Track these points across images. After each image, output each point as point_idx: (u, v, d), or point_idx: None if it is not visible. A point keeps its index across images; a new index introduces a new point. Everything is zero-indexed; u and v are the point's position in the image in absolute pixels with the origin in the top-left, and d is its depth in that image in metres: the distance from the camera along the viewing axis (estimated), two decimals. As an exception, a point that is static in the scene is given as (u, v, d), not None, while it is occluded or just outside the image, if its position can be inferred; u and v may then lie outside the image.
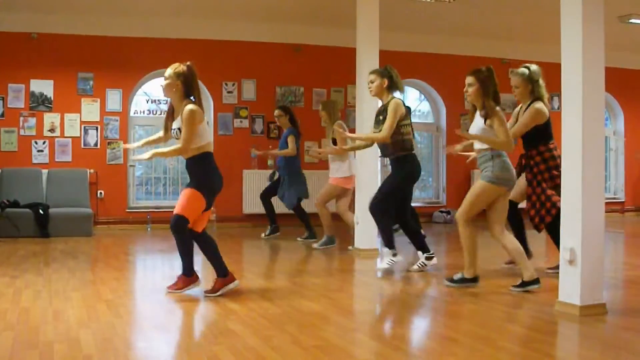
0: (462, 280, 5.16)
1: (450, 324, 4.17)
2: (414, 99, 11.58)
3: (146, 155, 4.83)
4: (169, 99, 4.93)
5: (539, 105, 5.53)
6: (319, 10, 9.69)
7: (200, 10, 9.54)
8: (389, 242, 5.97)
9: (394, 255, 5.97)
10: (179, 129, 4.73)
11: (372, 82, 5.94)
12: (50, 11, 9.08)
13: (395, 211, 5.97)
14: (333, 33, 9.98)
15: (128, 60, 9.44)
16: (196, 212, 4.78)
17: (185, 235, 4.78)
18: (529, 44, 10.91)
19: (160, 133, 5.08)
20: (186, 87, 4.74)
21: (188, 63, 4.80)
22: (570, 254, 4.25)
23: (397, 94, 6.05)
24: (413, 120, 11.60)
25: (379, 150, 6.15)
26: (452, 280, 5.21)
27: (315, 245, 7.62)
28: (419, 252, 6.05)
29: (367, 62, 7.17)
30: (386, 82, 5.89)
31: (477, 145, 5.07)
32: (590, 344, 3.75)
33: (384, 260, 6.00)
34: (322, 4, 9.53)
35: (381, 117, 5.88)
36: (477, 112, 5.07)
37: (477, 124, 5.04)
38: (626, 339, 3.82)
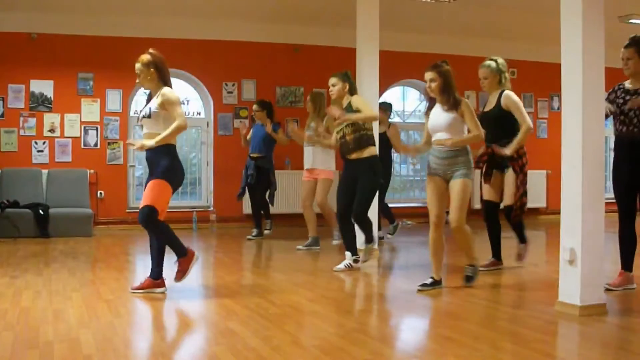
0: (474, 270, 5.20)
1: (450, 324, 4.16)
2: (414, 99, 11.58)
3: (151, 142, 4.74)
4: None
5: (510, 92, 5.74)
6: (319, 10, 9.69)
7: (200, 10, 9.54)
8: (369, 238, 6.21)
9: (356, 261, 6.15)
10: (150, 108, 4.81)
11: (333, 85, 6.13)
12: (50, 11, 9.08)
13: (343, 208, 6.09)
14: (333, 33, 9.98)
15: (128, 60, 9.32)
16: (165, 201, 4.76)
17: (160, 225, 4.74)
18: (529, 44, 10.91)
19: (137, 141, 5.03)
20: (159, 72, 4.88)
21: (151, 50, 4.97)
22: (570, 254, 4.25)
23: None
24: (413, 120, 11.69)
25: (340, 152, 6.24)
26: (468, 277, 5.18)
27: (333, 242, 7.69)
28: (348, 253, 6.17)
29: (367, 62, 7.17)
30: (347, 86, 6.11)
31: (444, 136, 4.99)
32: (590, 344, 3.74)
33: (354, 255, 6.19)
34: (322, 4, 9.53)
35: None
36: (437, 105, 5.07)
37: (443, 117, 5.00)
38: (626, 339, 3.82)
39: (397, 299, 5.12)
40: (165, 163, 4.72)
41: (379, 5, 7.25)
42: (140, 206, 4.71)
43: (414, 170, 11.71)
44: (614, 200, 4.99)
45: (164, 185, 4.71)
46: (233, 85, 10.12)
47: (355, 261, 6.11)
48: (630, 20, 9.85)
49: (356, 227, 6.21)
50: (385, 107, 8.30)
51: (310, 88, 10.28)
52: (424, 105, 11.58)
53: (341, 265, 6.07)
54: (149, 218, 4.67)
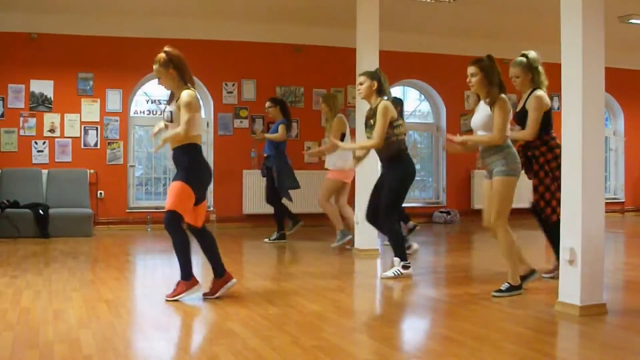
0: (511, 289, 4.85)
1: (450, 324, 4.17)
2: (414, 99, 11.59)
3: (160, 142, 4.71)
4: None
5: (539, 93, 5.35)
6: (319, 10, 9.69)
7: (200, 10, 9.54)
8: (400, 252, 5.73)
9: (405, 267, 5.69)
10: (171, 112, 4.65)
11: (361, 83, 5.81)
12: (50, 11, 9.08)
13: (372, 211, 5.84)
14: (333, 33, 9.98)
15: (128, 60, 9.44)
16: (187, 205, 4.61)
17: (181, 233, 4.64)
18: (528, 44, 10.85)
19: (161, 124, 4.87)
20: (179, 70, 4.68)
21: (166, 48, 4.77)
22: (570, 254, 4.25)
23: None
24: (413, 120, 11.71)
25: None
26: (500, 291, 4.86)
27: (332, 245, 7.49)
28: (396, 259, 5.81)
29: (367, 62, 7.16)
30: (375, 84, 5.75)
31: (481, 134, 4.91)
32: (590, 344, 3.75)
33: (392, 269, 5.73)
34: (322, 4, 9.53)
35: (372, 121, 5.72)
36: (481, 102, 4.94)
37: (483, 112, 4.89)
38: (626, 339, 3.82)
39: (397, 299, 5.12)
40: (185, 163, 4.61)
41: (379, 5, 7.25)
42: (165, 209, 4.64)
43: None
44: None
45: (183, 187, 4.57)
46: (233, 85, 10.12)
47: (406, 267, 5.73)
48: (630, 20, 9.85)
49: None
50: (396, 103, 8.19)
51: (311, 88, 10.33)
52: (424, 105, 11.60)
53: (389, 273, 5.70)
54: (171, 223, 4.60)
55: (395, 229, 5.74)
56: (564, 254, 4.31)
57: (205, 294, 4.77)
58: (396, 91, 11.30)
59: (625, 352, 3.50)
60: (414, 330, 4.26)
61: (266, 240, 8.23)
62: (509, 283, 4.87)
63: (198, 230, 4.77)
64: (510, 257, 4.88)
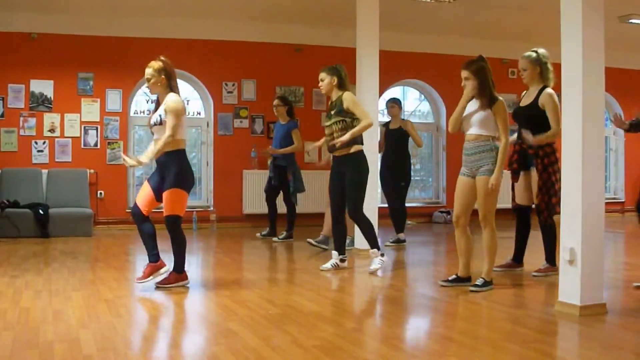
0: (485, 284, 5.02)
1: (450, 324, 4.17)
2: (414, 99, 11.58)
3: (145, 159, 5.06)
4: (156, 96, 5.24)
5: (551, 91, 5.39)
6: (319, 10, 9.69)
7: (200, 10, 9.54)
8: (374, 242, 6.00)
9: (342, 260, 6.05)
10: (160, 115, 5.00)
11: (322, 80, 6.03)
12: (50, 11, 9.08)
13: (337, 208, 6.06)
14: (333, 33, 9.98)
15: (128, 60, 9.43)
16: (183, 206, 5.09)
17: (182, 232, 5.08)
18: (529, 44, 10.81)
19: (131, 161, 5.11)
20: (169, 79, 5.07)
21: (162, 57, 5.15)
22: (570, 254, 4.25)
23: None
24: (413, 120, 11.71)
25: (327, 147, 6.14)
26: (476, 285, 5.01)
27: (312, 241, 7.51)
28: (335, 252, 6.08)
29: (367, 62, 7.17)
30: (335, 80, 5.98)
31: (475, 131, 4.98)
32: (590, 344, 3.75)
33: (375, 262, 5.95)
34: (322, 4, 9.53)
35: (332, 112, 5.98)
36: (474, 101, 5.01)
37: (478, 113, 4.96)
38: (626, 339, 3.82)
39: (397, 299, 5.12)
40: (176, 170, 4.97)
41: (379, 5, 7.25)
42: (164, 215, 5.01)
43: (414, 170, 11.70)
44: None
45: (179, 192, 4.99)
46: (233, 85, 10.12)
47: (342, 260, 6.06)
48: (630, 20, 9.86)
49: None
50: (398, 103, 8.23)
51: (311, 88, 10.32)
52: (424, 105, 11.60)
53: (327, 265, 6.02)
54: (174, 225, 5.04)
55: (367, 222, 6.00)
56: (564, 254, 4.31)
57: (138, 279, 5.11)
58: (396, 91, 11.30)
59: (625, 352, 3.50)
60: (413, 330, 4.26)
61: (277, 239, 8.34)
62: (483, 279, 5.04)
63: (143, 216, 5.08)
64: (489, 256, 5.04)
